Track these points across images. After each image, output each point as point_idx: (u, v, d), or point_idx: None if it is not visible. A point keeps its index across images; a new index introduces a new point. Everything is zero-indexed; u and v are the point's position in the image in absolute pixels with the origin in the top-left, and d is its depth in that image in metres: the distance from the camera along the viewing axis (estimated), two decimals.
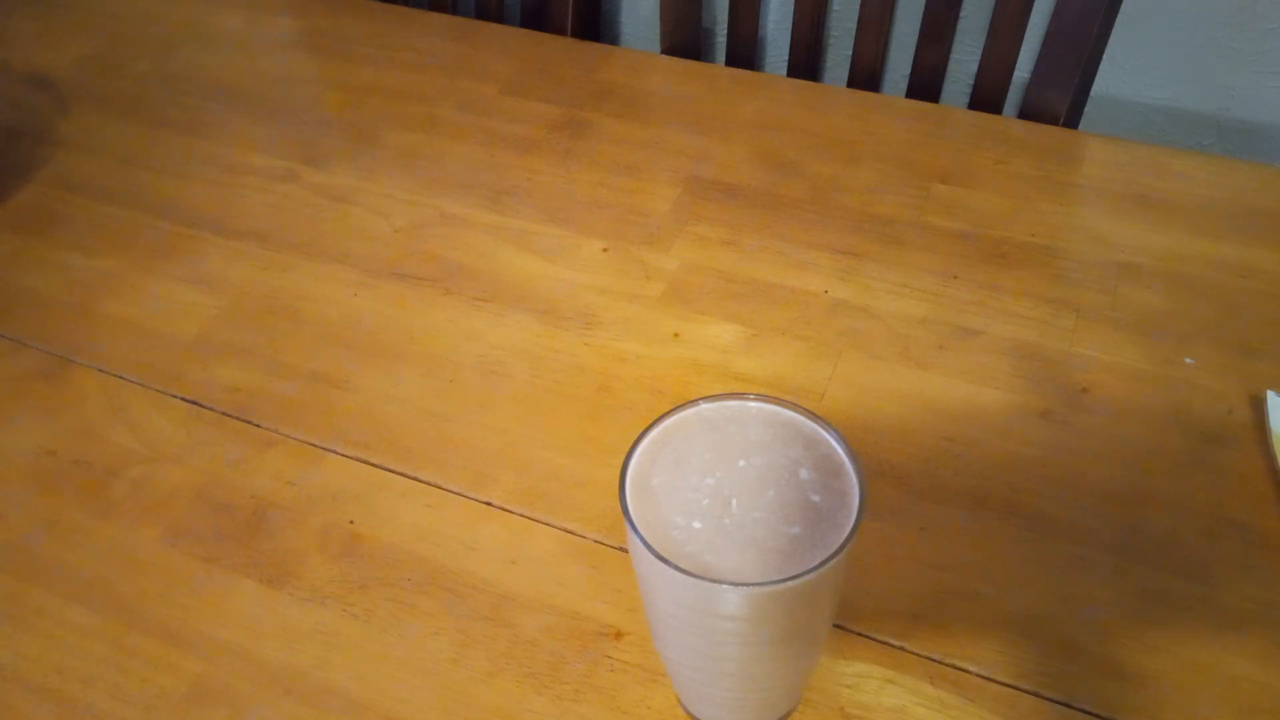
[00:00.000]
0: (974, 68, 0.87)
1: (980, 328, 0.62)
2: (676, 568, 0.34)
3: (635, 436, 0.38)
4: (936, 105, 0.85)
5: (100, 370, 0.64)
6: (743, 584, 0.34)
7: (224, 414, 0.61)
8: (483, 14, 1.02)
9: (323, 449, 0.58)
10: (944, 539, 0.52)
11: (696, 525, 0.36)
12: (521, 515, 0.54)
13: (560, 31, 0.97)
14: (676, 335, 0.63)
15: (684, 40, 0.98)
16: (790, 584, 0.34)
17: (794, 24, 0.93)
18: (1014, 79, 0.86)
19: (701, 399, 0.40)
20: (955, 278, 0.66)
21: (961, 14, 0.86)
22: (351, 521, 0.54)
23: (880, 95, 0.86)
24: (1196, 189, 0.71)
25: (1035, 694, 0.46)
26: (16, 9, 1.01)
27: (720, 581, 0.34)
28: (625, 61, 0.89)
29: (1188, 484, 0.53)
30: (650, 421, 0.39)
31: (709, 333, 0.63)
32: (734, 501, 0.37)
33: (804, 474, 0.37)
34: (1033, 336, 0.61)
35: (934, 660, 0.47)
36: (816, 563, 0.34)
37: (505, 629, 0.49)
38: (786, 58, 0.96)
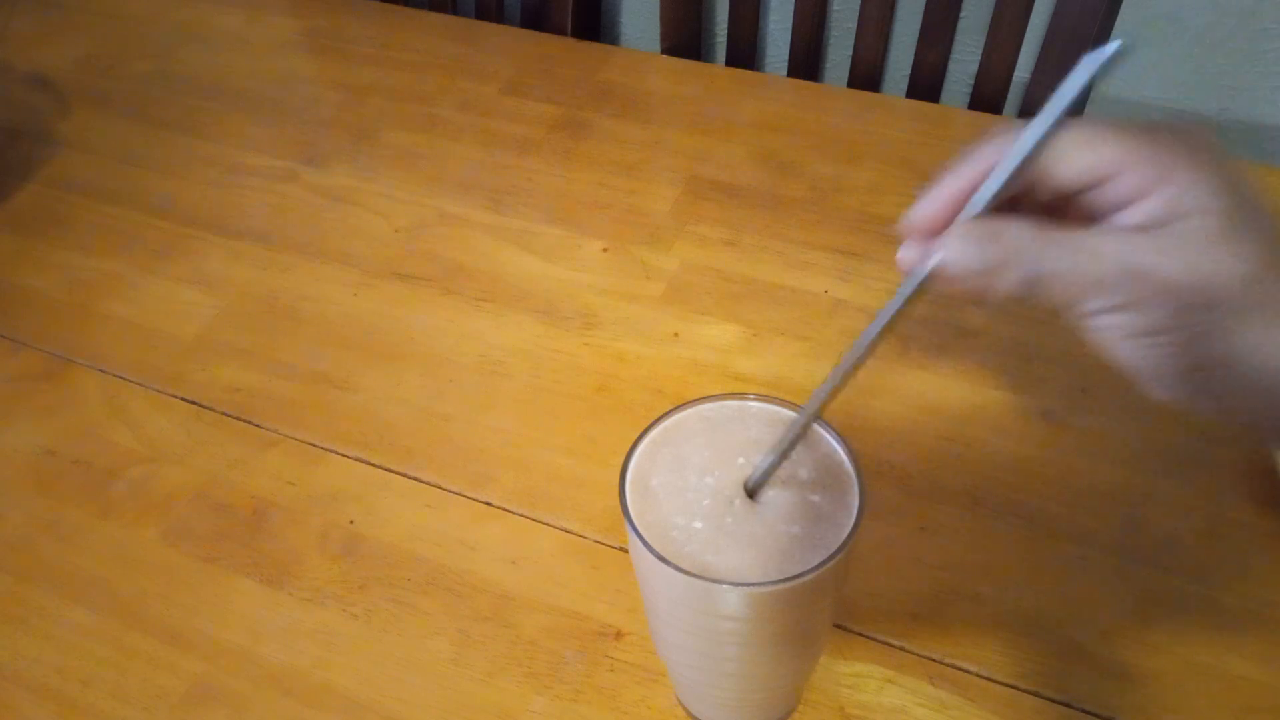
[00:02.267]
0: (974, 68, 0.87)
1: (981, 327, 0.62)
2: (676, 568, 0.34)
3: (635, 436, 0.39)
4: (937, 105, 0.85)
5: (100, 370, 0.64)
6: (742, 584, 0.34)
7: (224, 414, 0.61)
8: (483, 14, 1.02)
9: (323, 449, 0.58)
10: (944, 539, 0.52)
11: (697, 525, 0.36)
12: (521, 515, 0.54)
13: (560, 31, 0.97)
14: (676, 335, 0.63)
15: (684, 40, 0.98)
16: (790, 584, 0.34)
17: (794, 24, 0.93)
18: (1014, 79, 0.86)
19: (701, 399, 0.40)
20: None
21: (962, 14, 0.86)
22: (351, 521, 0.54)
23: (880, 95, 0.86)
24: None
25: (1035, 694, 0.46)
26: (16, 9, 1.01)
27: (720, 582, 0.34)
28: (625, 61, 0.89)
29: (1188, 484, 0.53)
30: (650, 421, 0.39)
31: (709, 333, 0.63)
32: (734, 501, 0.37)
33: (804, 474, 0.37)
34: (1033, 336, 0.61)
35: (934, 660, 0.47)
36: (816, 563, 0.34)
37: (505, 629, 0.49)
38: (787, 58, 0.96)
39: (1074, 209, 0.31)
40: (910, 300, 0.32)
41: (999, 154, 0.30)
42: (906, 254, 0.33)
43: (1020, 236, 0.30)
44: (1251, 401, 0.30)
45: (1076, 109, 0.29)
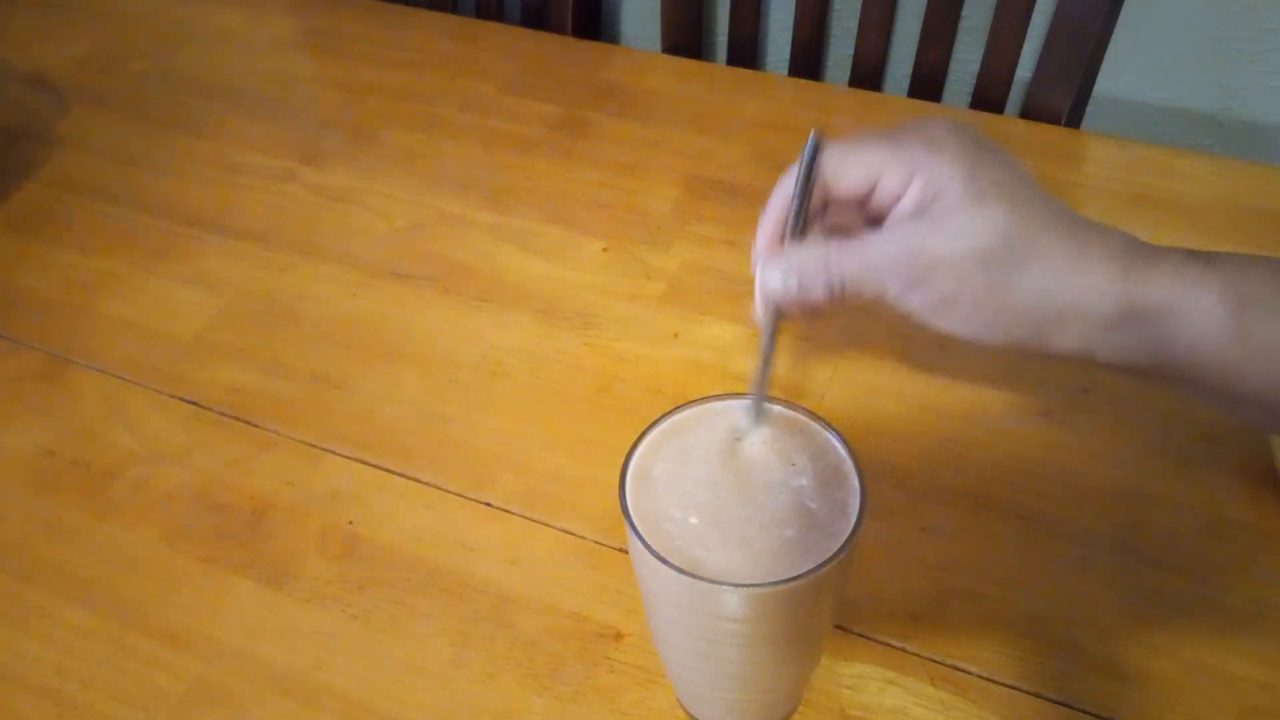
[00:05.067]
0: (976, 67, 0.87)
1: None
2: (675, 568, 0.34)
3: (635, 437, 0.38)
4: (938, 105, 0.85)
5: (100, 370, 0.64)
6: (742, 585, 0.34)
7: (223, 414, 0.61)
8: (483, 13, 1.02)
9: (322, 449, 0.58)
10: (945, 539, 0.52)
11: (692, 520, 0.36)
12: (521, 516, 0.54)
13: (560, 31, 0.97)
14: (676, 335, 0.63)
15: (684, 39, 0.98)
16: (789, 586, 0.33)
17: (795, 23, 0.93)
18: (1016, 79, 0.86)
19: (713, 396, 0.40)
20: None
21: (963, 13, 0.86)
22: (350, 522, 0.54)
23: (882, 95, 0.86)
24: (1197, 189, 0.71)
25: (1036, 694, 0.46)
26: (16, 9, 1.01)
27: (720, 583, 0.34)
28: (625, 61, 0.89)
29: (1188, 484, 0.53)
30: (656, 417, 0.39)
31: (709, 333, 0.63)
32: (731, 499, 0.36)
33: (806, 481, 0.37)
34: None
35: (935, 661, 0.47)
36: (808, 567, 0.34)
37: (505, 630, 0.49)
38: (787, 57, 0.96)
39: (870, 215, 0.37)
40: (772, 332, 0.38)
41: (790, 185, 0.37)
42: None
43: (811, 256, 0.35)
44: (1056, 330, 0.35)
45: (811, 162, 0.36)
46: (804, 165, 0.35)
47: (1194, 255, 0.35)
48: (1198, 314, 0.33)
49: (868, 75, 0.92)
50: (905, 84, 0.93)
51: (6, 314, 0.68)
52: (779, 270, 0.36)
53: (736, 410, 0.39)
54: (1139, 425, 0.56)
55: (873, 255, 0.35)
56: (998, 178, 0.34)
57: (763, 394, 0.38)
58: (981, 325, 0.35)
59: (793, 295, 0.36)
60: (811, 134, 0.35)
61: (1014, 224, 0.34)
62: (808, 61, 0.95)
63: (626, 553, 0.50)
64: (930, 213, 0.34)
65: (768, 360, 0.38)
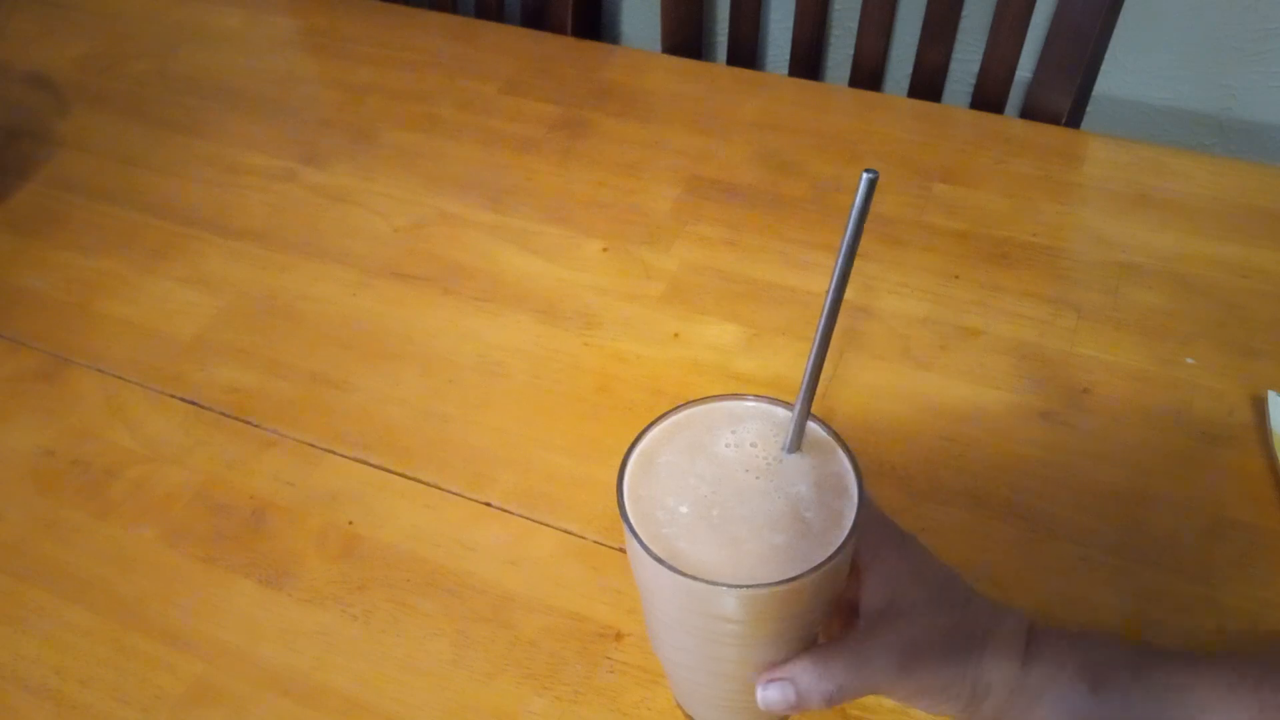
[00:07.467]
0: (976, 67, 0.87)
1: (981, 328, 0.62)
2: (670, 567, 0.34)
3: (634, 437, 0.39)
4: (938, 104, 0.85)
5: (99, 370, 0.64)
6: (733, 585, 0.34)
7: (223, 414, 0.61)
8: (483, 13, 1.02)
9: (321, 449, 0.58)
10: (945, 539, 0.52)
11: (683, 510, 0.36)
12: (521, 515, 0.54)
13: (560, 31, 0.97)
14: (676, 335, 0.63)
15: (685, 39, 0.98)
16: (776, 589, 0.33)
17: (795, 23, 0.93)
18: (1016, 78, 0.86)
19: (731, 394, 0.40)
20: (956, 277, 0.66)
21: (963, 13, 0.86)
22: (350, 522, 0.54)
23: (882, 94, 0.86)
24: (1197, 189, 0.71)
25: None
26: (16, 9, 1.01)
27: (714, 584, 0.34)
28: (625, 61, 0.89)
29: (1188, 484, 0.53)
30: (655, 416, 0.39)
31: (709, 333, 0.63)
32: (729, 497, 0.36)
33: (805, 488, 0.37)
34: (1034, 336, 0.61)
35: None
36: (795, 574, 0.34)
37: (505, 630, 0.49)
38: (788, 57, 0.96)
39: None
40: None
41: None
42: None
43: (806, 673, 0.38)
44: (983, 702, 0.40)
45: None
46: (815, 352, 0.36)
47: (1064, 637, 0.41)
48: (1067, 690, 0.39)
49: (868, 75, 0.92)
50: (905, 84, 0.93)
51: (6, 314, 0.68)
52: (779, 690, 0.38)
53: (766, 419, 0.39)
54: (1140, 425, 0.56)
55: (861, 663, 0.39)
56: (938, 577, 0.41)
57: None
58: (945, 706, 0.40)
59: (792, 708, 0.39)
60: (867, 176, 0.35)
61: (955, 621, 0.40)
62: (808, 61, 0.95)
63: (626, 553, 0.50)
64: (895, 617, 0.39)
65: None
